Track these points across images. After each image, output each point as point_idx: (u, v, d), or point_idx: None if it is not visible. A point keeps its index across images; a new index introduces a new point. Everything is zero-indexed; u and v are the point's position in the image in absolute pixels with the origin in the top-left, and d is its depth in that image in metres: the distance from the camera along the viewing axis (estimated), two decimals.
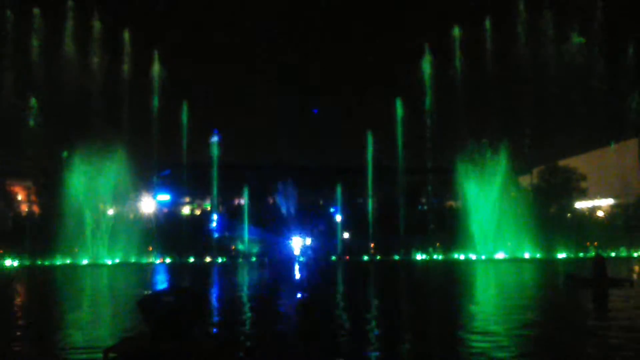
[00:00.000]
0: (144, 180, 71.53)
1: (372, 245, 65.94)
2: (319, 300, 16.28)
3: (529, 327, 10.30)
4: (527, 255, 62.29)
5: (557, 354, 8.32)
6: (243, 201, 78.76)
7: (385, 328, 10.68)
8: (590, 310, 13.62)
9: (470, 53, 70.72)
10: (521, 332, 9.57)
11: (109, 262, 62.42)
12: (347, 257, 64.04)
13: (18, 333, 10.59)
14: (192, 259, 64.20)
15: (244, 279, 27.96)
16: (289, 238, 71.37)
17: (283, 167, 78.61)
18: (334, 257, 64.59)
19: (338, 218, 70.86)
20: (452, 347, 8.70)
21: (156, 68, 70.14)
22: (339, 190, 70.85)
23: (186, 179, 71.74)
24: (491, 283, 24.31)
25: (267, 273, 34.45)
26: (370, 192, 69.54)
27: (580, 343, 9.17)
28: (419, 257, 63.80)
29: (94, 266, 57.23)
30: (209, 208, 73.65)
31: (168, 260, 63.51)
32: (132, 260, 64.24)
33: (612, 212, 67.11)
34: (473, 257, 62.38)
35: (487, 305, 14.47)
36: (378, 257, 63.55)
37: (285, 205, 76.83)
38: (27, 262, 60.40)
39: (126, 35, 70.18)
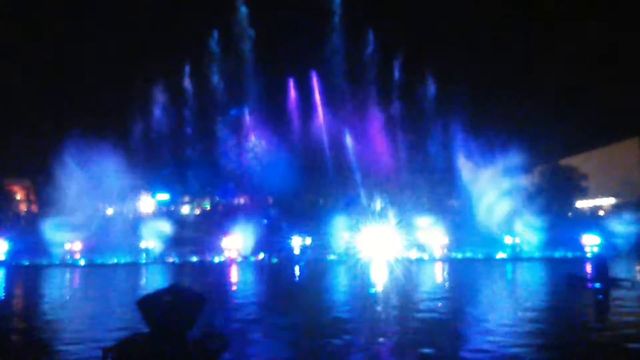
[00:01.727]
0: (144, 179, 71.18)
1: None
2: None
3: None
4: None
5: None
6: (243, 200, 78.57)
7: None
8: (594, 311, 13.32)
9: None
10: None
11: (111, 262, 62.32)
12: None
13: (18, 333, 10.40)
14: (194, 259, 64.10)
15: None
16: (288, 238, 71.11)
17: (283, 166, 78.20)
18: (332, 257, 64.56)
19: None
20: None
21: None
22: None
23: (186, 178, 71.41)
24: (493, 283, 24.08)
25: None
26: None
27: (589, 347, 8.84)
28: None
29: (93, 266, 57.07)
30: (208, 208, 73.32)
31: (167, 260, 63.34)
32: (130, 260, 64.08)
33: (613, 211, 66.80)
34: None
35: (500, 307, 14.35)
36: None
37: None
38: (25, 262, 60.24)
39: None
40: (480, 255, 63.16)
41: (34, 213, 62.31)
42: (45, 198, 62.36)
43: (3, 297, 17.66)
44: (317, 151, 73.03)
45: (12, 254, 61.02)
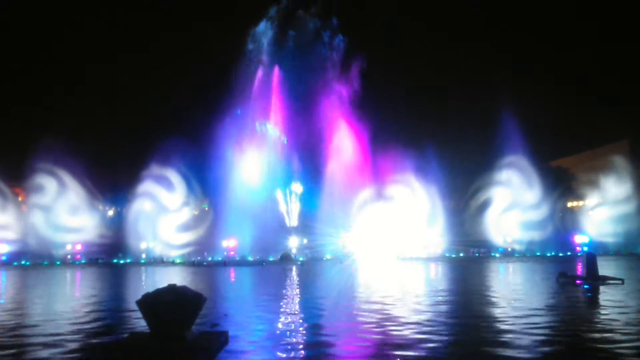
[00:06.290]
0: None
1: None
2: None
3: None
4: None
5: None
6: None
7: None
8: (586, 310, 13.32)
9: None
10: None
11: (111, 262, 62.88)
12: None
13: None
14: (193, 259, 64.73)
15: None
16: (286, 238, 71.61)
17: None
18: (329, 256, 65.31)
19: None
20: None
21: None
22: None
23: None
24: (489, 281, 24.63)
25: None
26: None
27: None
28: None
29: (93, 266, 57.52)
30: (206, 208, 73.83)
31: (167, 260, 63.87)
32: (130, 260, 64.61)
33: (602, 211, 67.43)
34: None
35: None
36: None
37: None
38: (27, 263, 60.86)
39: None
40: (476, 254, 64.04)
41: (35, 214, 62.89)
42: (49, 199, 63.04)
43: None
44: None
45: (14, 254, 61.71)
